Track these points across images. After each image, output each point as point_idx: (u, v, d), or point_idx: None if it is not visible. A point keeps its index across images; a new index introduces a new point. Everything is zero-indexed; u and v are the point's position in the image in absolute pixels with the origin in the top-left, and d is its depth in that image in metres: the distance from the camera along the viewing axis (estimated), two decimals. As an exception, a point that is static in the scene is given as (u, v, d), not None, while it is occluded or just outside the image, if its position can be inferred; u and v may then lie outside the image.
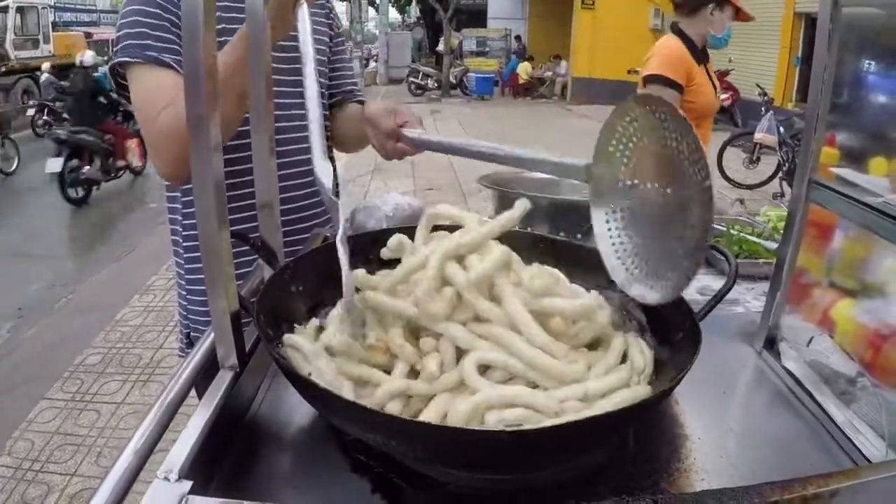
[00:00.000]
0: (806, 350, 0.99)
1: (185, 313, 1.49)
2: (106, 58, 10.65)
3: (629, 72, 14.52)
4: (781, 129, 7.52)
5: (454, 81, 19.70)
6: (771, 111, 7.98)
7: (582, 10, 17.64)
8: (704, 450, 0.82)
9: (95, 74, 8.68)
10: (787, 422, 0.91)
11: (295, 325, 0.84)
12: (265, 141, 0.94)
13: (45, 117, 10.57)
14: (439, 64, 20.61)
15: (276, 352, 0.75)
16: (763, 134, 7.56)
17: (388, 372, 0.75)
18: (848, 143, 0.99)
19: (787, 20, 11.75)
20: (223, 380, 0.80)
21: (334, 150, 1.61)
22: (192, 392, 0.81)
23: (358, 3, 18.88)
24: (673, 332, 0.85)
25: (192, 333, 1.47)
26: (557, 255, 0.99)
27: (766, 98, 8.75)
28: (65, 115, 9.33)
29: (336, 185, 0.79)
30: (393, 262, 0.87)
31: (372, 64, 23.49)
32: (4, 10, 15.07)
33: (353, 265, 0.91)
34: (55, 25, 18.12)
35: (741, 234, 1.73)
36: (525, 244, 0.94)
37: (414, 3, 29.06)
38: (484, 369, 0.73)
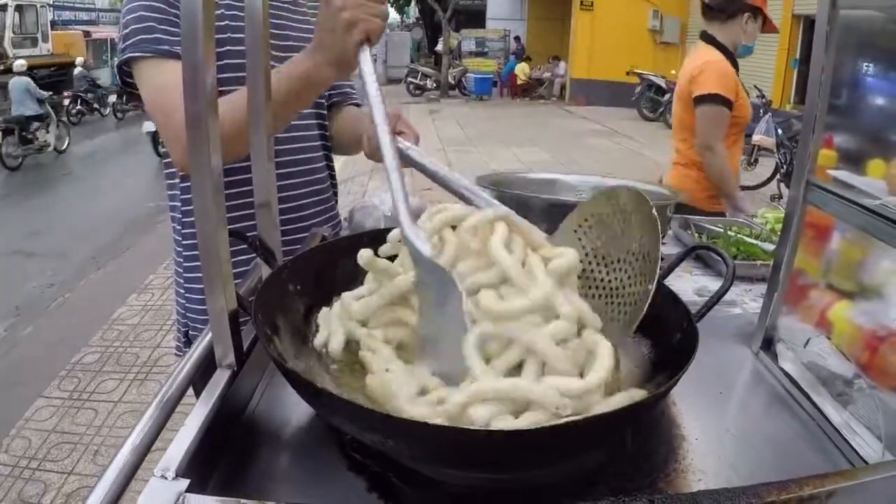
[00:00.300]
0: (803, 351, 0.99)
1: (183, 311, 1.49)
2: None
3: (628, 73, 14.59)
4: (779, 130, 7.54)
5: (453, 82, 19.72)
6: (769, 113, 8.00)
7: (581, 12, 17.67)
8: (701, 450, 0.82)
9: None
10: (784, 423, 0.91)
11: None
12: (263, 140, 0.94)
13: (78, 106, 12.08)
14: (438, 64, 20.63)
15: (273, 351, 0.75)
16: (761, 136, 7.57)
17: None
18: (846, 146, 0.99)
19: (785, 22, 11.77)
20: (221, 378, 0.80)
21: (331, 151, 1.61)
22: (190, 391, 0.81)
23: (357, 3, 18.81)
24: (670, 333, 0.85)
25: (190, 332, 1.47)
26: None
27: (764, 100, 8.77)
28: (95, 106, 11.44)
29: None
30: (391, 259, 0.87)
31: (371, 64, 23.44)
32: (3, 8, 15.08)
33: (351, 264, 0.91)
34: (54, 24, 18.13)
35: (739, 236, 1.74)
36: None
37: (413, 3, 29.05)
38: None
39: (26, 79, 10.70)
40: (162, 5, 1.21)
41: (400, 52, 22.54)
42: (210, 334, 0.83)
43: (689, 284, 1.47)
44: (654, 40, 17.15)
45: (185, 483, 0.64)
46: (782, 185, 7.37)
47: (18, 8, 15.54)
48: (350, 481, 0.74)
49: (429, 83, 19.13)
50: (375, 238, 0.92)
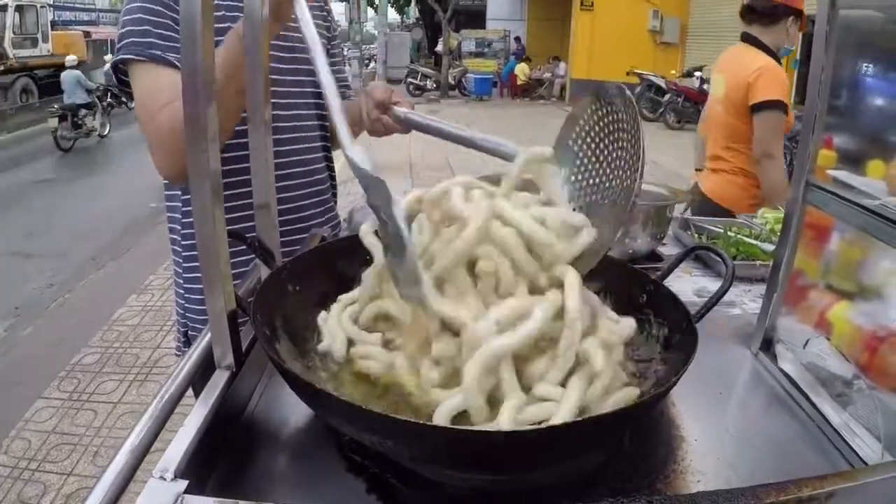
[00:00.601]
0: (802, 352, 0.99)
1: (182, 311, 1.49)
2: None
3: (627, 73, 14.58)
4: (779, 131, 7.52)
5: (453, 82, 19.72)
6: (769, 113, 7.97)
7: (581, 12, 17.67)
8: (701, 451, 0.82)
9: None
10: (783, 424, 0.91)
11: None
12: (263, 140, 0.94)
13: (108, 99, 12.77)
14: (438, 65, 20.63)
15: (272, 351, 0.75)
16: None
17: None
18: (845, 146, 0.99)
19: (785, 22, 11.76)
20: (219, 379, 0.80)
21: (332, 151, 1.61)
22: (190, 391, 0.81)
23: (357, 3, 18.88)
24: (670, 333, 0.85)
25: (189, 332, 1.47)
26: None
27: (764, 100, 8.74)
28: (123, 99, 12.59)
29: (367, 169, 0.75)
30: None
31: (371, 64, 23.50)
32: (3, 8, 15.07)
33: (350, 265, 0.91)
34: (54, 24, 18.11)
35: (738, 236, 1.73)
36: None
37: (413, 3, 29.06)
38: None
39: (77, 72, 12.00)
40: (160, 8, 1.21)
41: (400, 53, 22.53)
42: (209, 335, 0.83)
43: (689, 285, 1.47)
44: (654, 41, 17.16)
45: (183, 484, 0.64)
46: (782, 185, 7.36)
47: (19, 8, 15.53)
48: (349, 482, 0.74)
49: (429, 83, 19.13)
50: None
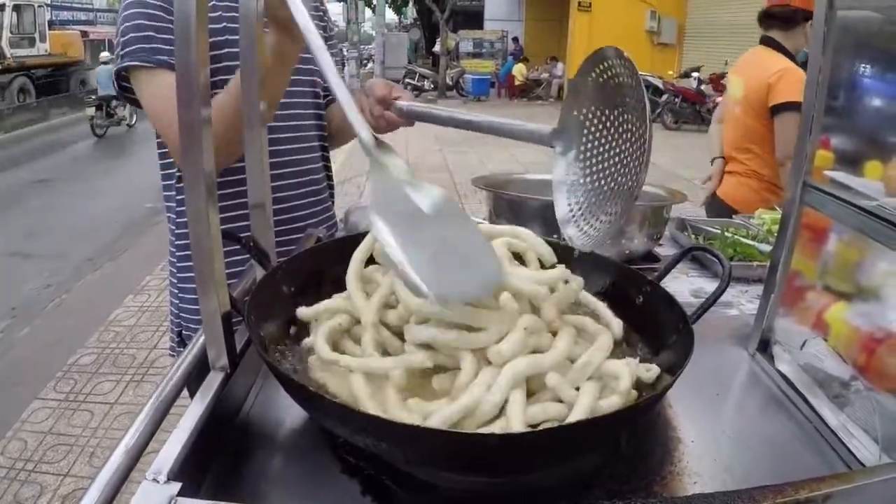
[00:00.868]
0: (800, 353, 0.98)
1: (176, 312, 1.49)
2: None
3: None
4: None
5: (450, 82, 19.72)
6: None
7: (578, 13, 17.68)
8: (697, 453, 0.81)
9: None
10: (780, 425, 0.91)
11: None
12: (258, 140, 0.93)
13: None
14: (436, 65, 20.65)
15: (266, 353, 0.74)
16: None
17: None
18: (842, 147, 0.99)
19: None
20: (214, 381, 0.79)
21: (328, 151, 1.61)
22: (186, 392, 0.81)
23: (354, 3, 18.87)
24: (666, 334, 0.85)
25: (183, 332, 1.47)
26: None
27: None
28: None
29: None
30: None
31: (369, 65, 23.50)
32: (1, 8, 15.04)
33: (347, 266, 0.90)
34: (51, 24, 18.08)
35: (736, 237, 1.73)
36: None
37: (410, 3, 29.06)
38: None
39: (111, 66, 12.03)
40: (159, 13, 1.20)
41: (397, 53, 22.52)
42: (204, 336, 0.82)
43: (686, 286, 1.47)
44: (652, 41, 17.18)
45: (176, 486, 0.63)
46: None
47: (16, 8, 15.50)
48: (344, 484, 0.74)
49: (426, 84, 19.14)
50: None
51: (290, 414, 0.85)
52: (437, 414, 0.66)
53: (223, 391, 0.79)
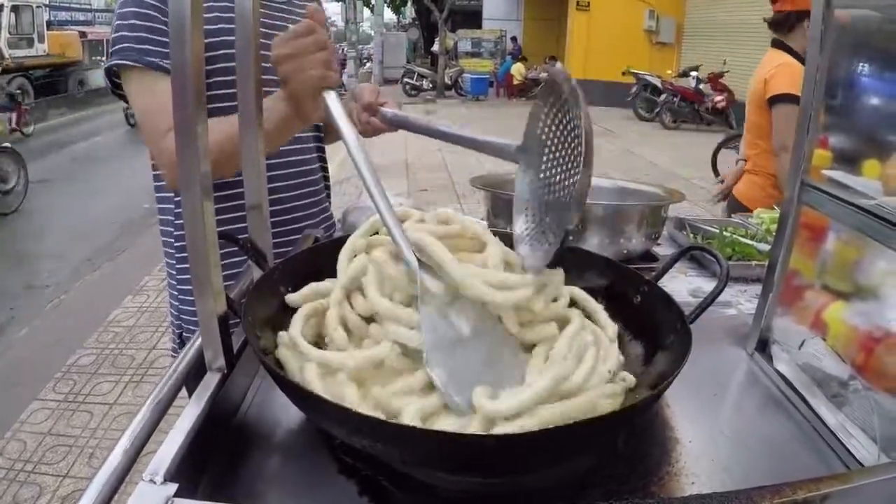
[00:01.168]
0: (798, 353, 0.98)
1: (176, 314, 1.49)
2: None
3: (623, 73, 14.59)
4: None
5: (449, 82, 19.72)
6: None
7: (577, 12, 17.66)
8: (695, 453, 0.81)
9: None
10: (778, 425, 0.90)
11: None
12: (254, 141, 0.93)
13: None
14: (434, 64, 20.63)
15: (262, 354, 0.74)
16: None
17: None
18: (840, 146, 0.99)
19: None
20: (211, 382, 0.79)
21: (327, 150, 1.61)
22: (185, 393, 0.81)
23: (353, 3, 18.88)
24: (664, 334, 0.84)
25: (184, 334, 1.47)
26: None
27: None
28: None
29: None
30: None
31: (367, 64, 23.49)
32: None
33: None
34: (50, 24, 18.07)
35: (734, 236, 1.73)
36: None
37: (409, 3, 29.06)
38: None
39: None
40: (154, 13, 1.20)
41: (396, 53, 22.54)
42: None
43: (684, 285, 1.47)
44: (650, 40, 17.16)
45: (173, 487, 0.63)
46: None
47: (14, 8, 15.47)
48: (341, 484, 0.73)
49: (425, 83, 19.12)
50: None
51: (287, 414, 0.85)
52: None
53: (220, 392, 0.79)
